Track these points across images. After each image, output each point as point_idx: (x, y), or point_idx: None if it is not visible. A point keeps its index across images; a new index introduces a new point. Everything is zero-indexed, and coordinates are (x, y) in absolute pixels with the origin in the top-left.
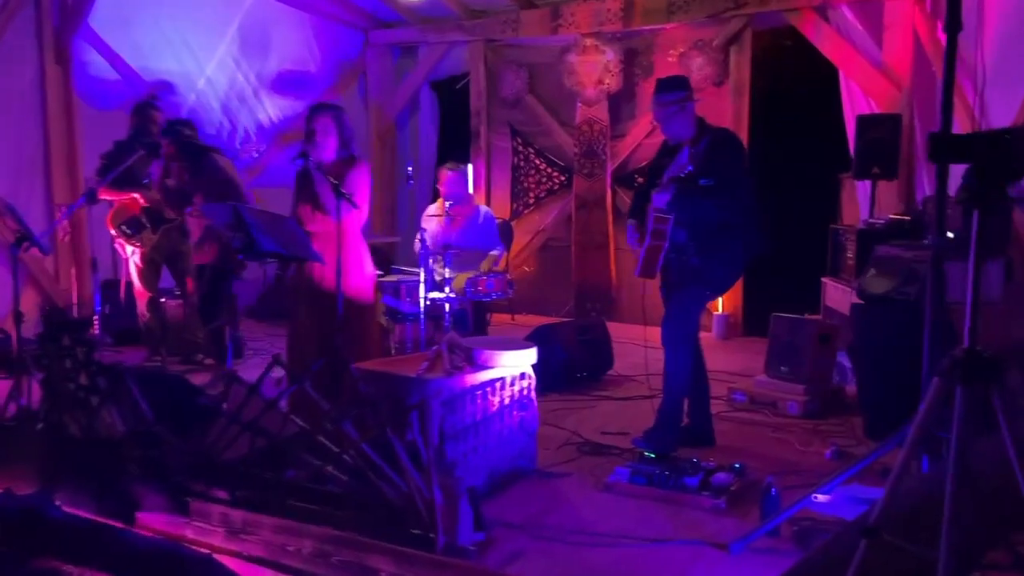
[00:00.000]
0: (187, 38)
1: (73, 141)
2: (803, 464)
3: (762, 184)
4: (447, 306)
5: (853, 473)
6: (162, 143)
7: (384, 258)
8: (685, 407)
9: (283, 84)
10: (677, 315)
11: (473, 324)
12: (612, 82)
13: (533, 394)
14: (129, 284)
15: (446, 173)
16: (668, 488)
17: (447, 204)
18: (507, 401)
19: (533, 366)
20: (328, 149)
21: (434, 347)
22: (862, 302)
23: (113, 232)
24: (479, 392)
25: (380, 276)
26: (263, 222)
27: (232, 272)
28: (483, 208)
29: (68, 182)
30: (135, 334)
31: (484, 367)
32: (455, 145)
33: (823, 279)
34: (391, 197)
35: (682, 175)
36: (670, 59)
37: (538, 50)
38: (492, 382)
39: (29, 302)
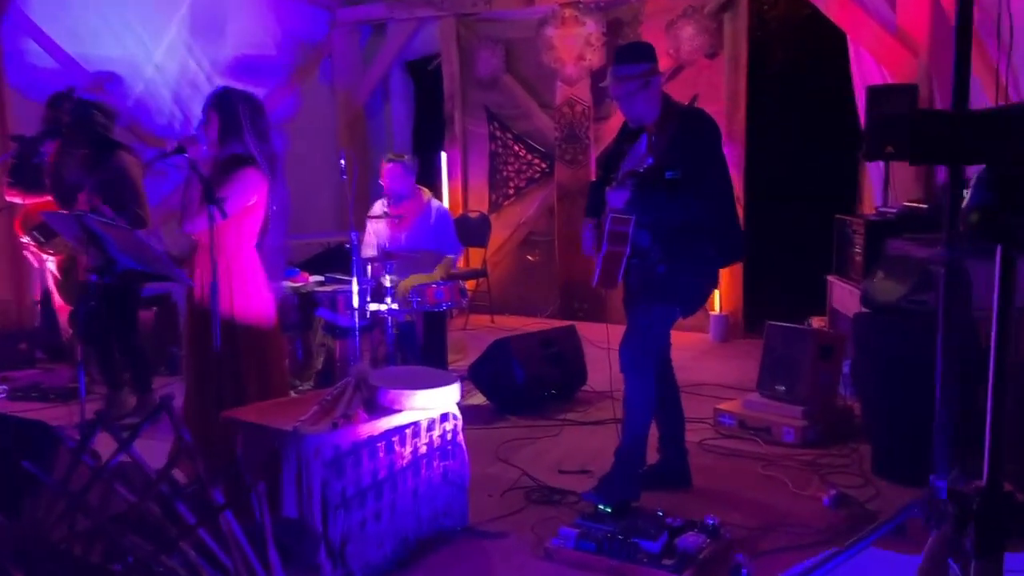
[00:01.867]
0: (131, 22)
1: (6, 136)
2: (795, 514)
3: (763, 170)
4: (390, 319)
5: (848, 557)
6: (63, 122)
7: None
8: (651, 439)
9: (241, 70)
10: (639, 334)
11: (425, 338)
12: (594, 57)
13: (461, 438)
14: (47, 297)
15: (386, 166)
16: (621, 558)
17: (383, 202)
18: (423, 450)
19: (489, 388)
20: (206, 143)
21: (341, 382)
22: (867, 310)
23: (24, 239)
24: (381, 443)
25: (317, 284)
26: (117, 237)
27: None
28: (435, 204)
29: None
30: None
31: (389, 411)
32: (433, 132)
33: (828, 277)
34: (363, 192)
35: (641, 169)
36: (657, 31)
37: (514, 24)
38: (400, 429)
39: None
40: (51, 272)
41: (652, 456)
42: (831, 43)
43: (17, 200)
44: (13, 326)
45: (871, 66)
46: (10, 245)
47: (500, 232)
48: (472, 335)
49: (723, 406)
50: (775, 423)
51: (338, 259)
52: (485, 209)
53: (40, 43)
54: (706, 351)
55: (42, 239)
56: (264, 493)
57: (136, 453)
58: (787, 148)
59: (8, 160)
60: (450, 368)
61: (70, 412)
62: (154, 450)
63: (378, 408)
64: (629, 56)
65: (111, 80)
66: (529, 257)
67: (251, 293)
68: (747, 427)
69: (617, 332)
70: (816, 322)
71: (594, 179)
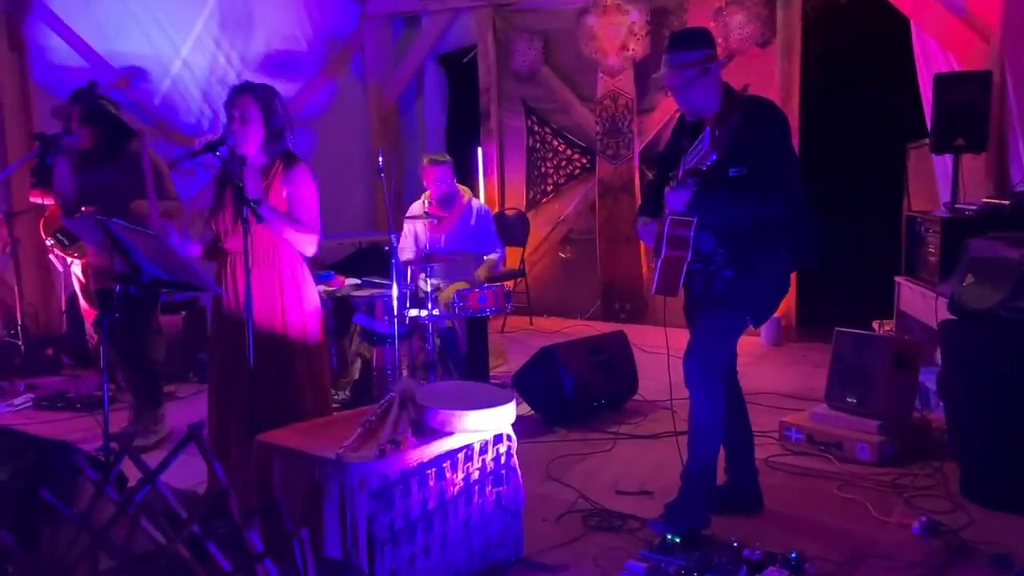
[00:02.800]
0: (158, 16)
1: (32, 134)
2: (882, 545)
3: (818, 162)
4: (431, 326)
5: None
6: (72, 123)
7: (383, 260)
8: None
9: (271, 65)
10: (705, 345)
11: (468, 345)
12: (638, 47)
13: (515, 460)
14: (73, 301)
15: (432, 169)
16: None
17: (424, 203)
18: (476, 475)
19: (535, 398)
20: (250, 142)
21: (385, 399)
22: (955, 318)
23: (48, 241)
24: (431, 470)
25: (353, 288)
26: (142, 243)
27: (153, 298)
28: (476, 204)
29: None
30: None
31: (439, 434)
32: (466, 127)
33: (897, 279)
34: (395, 190)
35: (703, 167)
36: (705, 18)
37: (553, 14)
38: (452, 454)
39: None
40: (76, 276)
41: (719, 476)
42: (892, 29)
43: (39, 200)
44: (41, 331)
45: (936, 53)
46: (37, 249)
47: (538, 230)
48: (511, 338)
49: (789, 419)
50: (848, 438)
51: (371, 260)
52: (522, 207)
53: (65, 39)
54: (759, 356)
55: (66, 241)
56: (308, 539)
57: (164, 489)
58: (842, 140)
59: (32, 159)
60: (491, 374)
61: (97, 423)
62: (186, 467)
63: (427, 430)
64: (685, 42)
65: (137, 75)
66: (562, 255)
67: (306, 301)
68: (817, 442)
69: (662, 335)
70: (882, 326)
71: (651, 177)
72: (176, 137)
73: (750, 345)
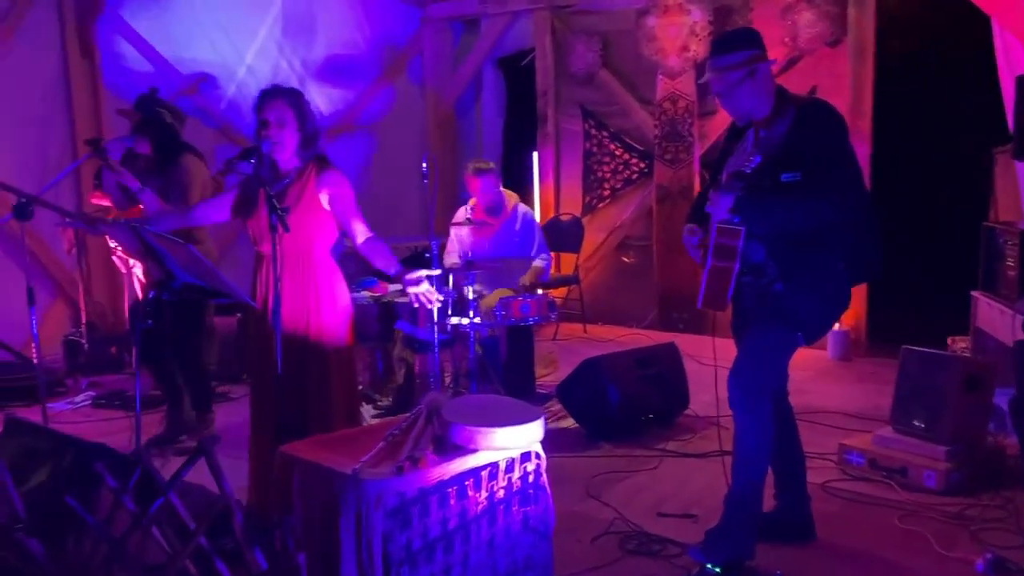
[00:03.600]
0: (224, 23)
1: (102, 138)
2: None
3: (893, 168)
4: (472, 334)
5: None
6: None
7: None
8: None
9: (330, 71)
10: (752, 364)
11: (510, 354)
12: (700, 48)
13: (544, 479)
14: (135, 301)
15: (477, 179)
16: None
17: (468, 210)
18: (501, 494)
19: (579, 411)
20: (286, 146)
21: (413, 412)
22: None
23: (111, 243)
24: (453, 488)
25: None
26: (173, 250)
27: (203, 301)
28: (521, 209)
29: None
30: None
31: (463, 451)
32: (524, 130)
33: (973, 293)
34: (452, 195)
35: (746, 170)
36: (771, 17)
37: (612, 15)
38: (476, 472)
39: (59, 319)
40: (137, 277)
41: (767, 501)
42: (971, 28)
43: (101, 203)
44: (108, 330)
45: (1019, 52)
46: (105, 249)
47: (593, 236)
48: (563, 346)
49: (850, 441)
50: (913, 464)
51: (420, 266)
52: (578, 212)
53: (136, 46)
54: (823, 371)
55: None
56: (305, 564)
57: (176, 501)
58: (918, 145)
59: (83, 164)
60: (537, 384)
61: (151, 423)
62: (233, 472)
63: (450, 447)
64: (729, 44)
65: (205, 81)
66: (625, 259)
67: (339, 305)
68: (879, 467)
69: (724, 346)
70: (956, 343)
71: (704, 185)
72: (240, 141)
73: (814, 359)
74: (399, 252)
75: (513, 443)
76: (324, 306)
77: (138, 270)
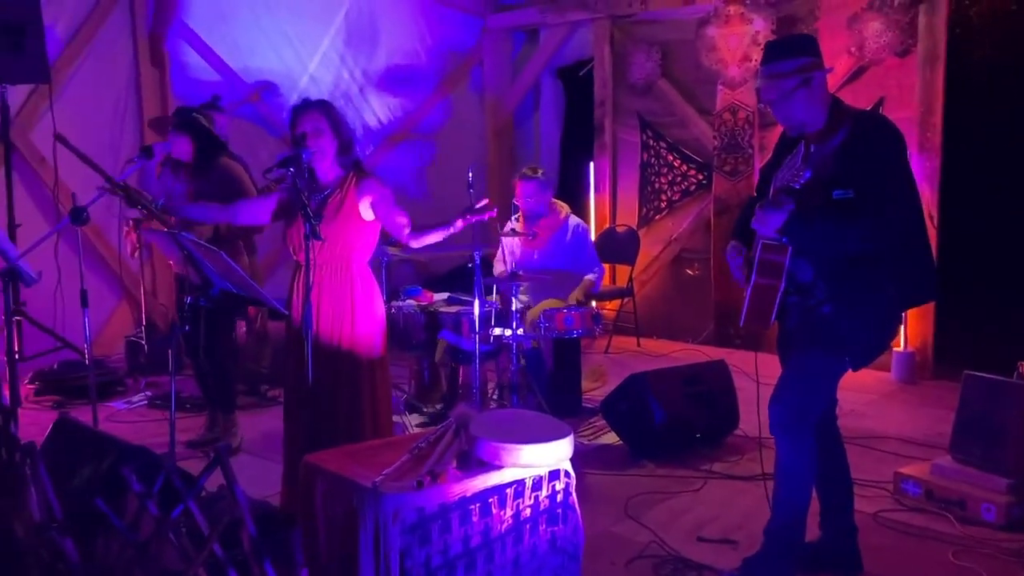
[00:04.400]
0: (288, 33)
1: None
2: None
3: (964, 183)
4: (515, 345)
5: None
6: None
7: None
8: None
9: (391, 80)
10: (796, 390)
11: (555, 366)
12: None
13: (573, 499)
14: None
15: (519, 183)
16: None
17: (515, 219)
18: (527, 513)
19: (623, 427)
20: (324, 155)
21: (442, 425)
22: None
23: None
24: (475, 505)
25: (442, 304)
26: (210, 258)
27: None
28: (573, 221)
29: None
30: None
31: (488, 467)
32: (581, 140)
33: None
34: (509, 203)
35: (795, 186)
36: (837, 26)
37: (672, 25)
38: (500, 489)
39: (125, 319)
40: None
41: (812, 531)
42: None
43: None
44: (169, 330)
45: None
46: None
47: (649, 248)
48: (615, 360)
49: (906, 470)
50: (972, 496)
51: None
52: (634, 223)
53: (203, 56)
54: (886, 395)
55: None
56: None
57: (194, 509)
58: (991, 159)
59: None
60: (585, 397)
61: (197, 425)
62: (268, 472)
63: (475, 463)
64: (783, 50)
65: (268, 90)
66: (688, 271)
67: (376, 314)
68: (936, 499)
69: (770, 362)
70: None
71: (751, 198)
72: None
73: (876, 381)
74: (453, 260)
75: (540, 460)
76: (359, 316)
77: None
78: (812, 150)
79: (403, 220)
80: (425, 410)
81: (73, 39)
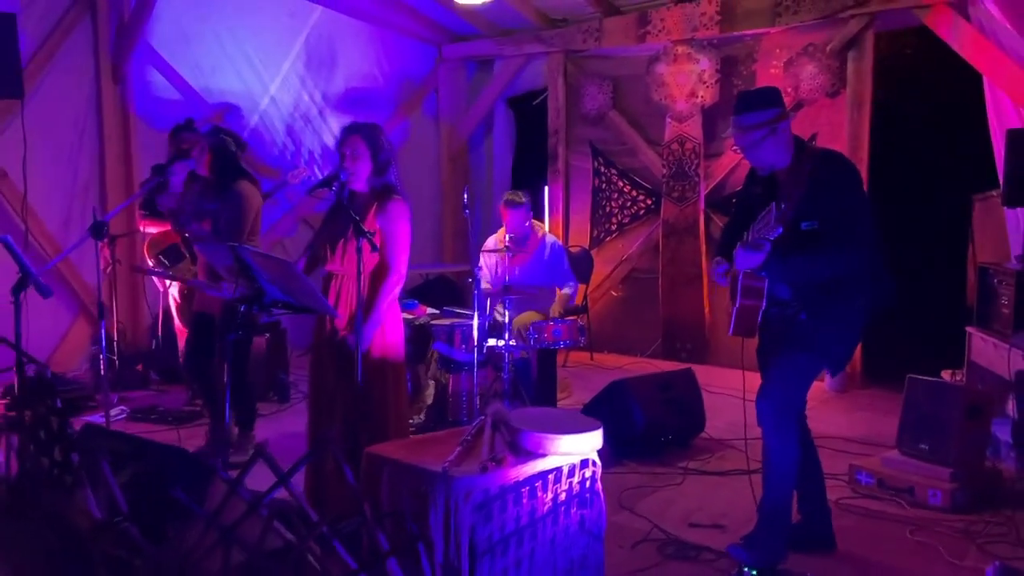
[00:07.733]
0: (250, 55)
1: (130, 164)
2: None
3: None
4: (507, 355)
5: None
6: (194, 149)
7: (450, 291)
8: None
9: (349, 103)
10: (780, 388)
11: (538, 376)
12: (707, 94)
13: (599, 486)
14: (168, 319)
15: (509, 211)
16: None
17: (506, 238)
18: (563, 497)
19: (606, 430)
20: (359, 176)
21: (476, 421)
22: None
23: (151, 262)
24: (525, 489)
25: (432, 317)
26: (267, 267)
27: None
28: (549, 238)
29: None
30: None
31: (533, 455)
32: (532, 166)
33: (969, 329)
34: (462, 222)
35: (771, 236)
36: (774, 68)
37: (623, 61)
38: (543, 475)
39: (81, 335)
40: (173, 296)
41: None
42: (964, 84)
43: (152, 230)
44: (129, 349)
45: (1009, 108)
46: (127, 270)
47: (601, 268)
48: (573, 372)
49: (859, 462)
50: (920, 484)
51: (439, 291)
52: (586, 244)
53: (165, 75)
54: (824, 401)
55: (167, 263)
56: (428, 543)
57: (295, 490)
58: (907, 191)
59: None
60: (557, 407)
61: (182, 437)
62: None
63: (522, 451)
64: (754, 103)
65: (229, 111)
66: (614, 292)
67: (397, 326)
68: (887, 487)
69: (721, 376)
70: (950, 376)
71: (728, 221)
72: (260, 169)
73: (814, 390)
74: (411, 279)
75: (577, 449)
76: (388, 326)
77: (174, 289)
78: (783, 207)
79: (392, 263)
80: (412, 419)
81: (35, 56)
